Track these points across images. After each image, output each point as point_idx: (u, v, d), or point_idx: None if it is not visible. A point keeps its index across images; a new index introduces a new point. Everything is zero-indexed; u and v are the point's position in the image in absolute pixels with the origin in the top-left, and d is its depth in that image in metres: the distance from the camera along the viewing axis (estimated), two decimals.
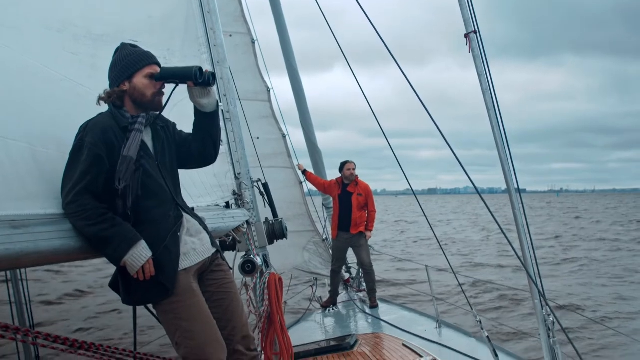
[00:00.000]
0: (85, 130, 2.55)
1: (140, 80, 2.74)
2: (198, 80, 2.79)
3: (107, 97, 2.73)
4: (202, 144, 3.01)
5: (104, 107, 2.78)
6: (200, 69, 2.80)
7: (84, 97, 2.88)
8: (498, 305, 11.04)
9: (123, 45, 2.83)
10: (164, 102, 2.81)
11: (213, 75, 2.88)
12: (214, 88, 2.96)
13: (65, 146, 2.59)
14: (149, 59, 2.79)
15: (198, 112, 2.97)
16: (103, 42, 3.14)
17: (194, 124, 3.02)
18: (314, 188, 8.96)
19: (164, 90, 2.81)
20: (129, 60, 2.75)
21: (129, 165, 2.57)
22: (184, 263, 2.76)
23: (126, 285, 2.68)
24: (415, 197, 5.54)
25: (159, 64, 2.83)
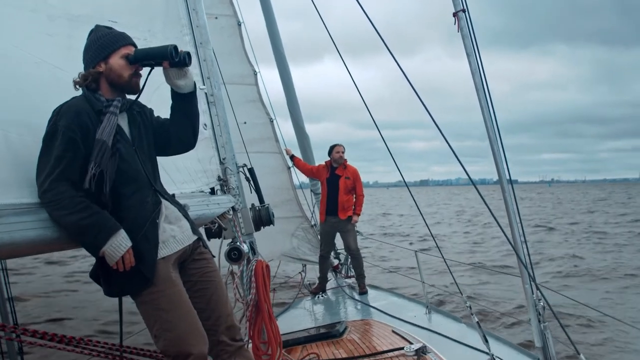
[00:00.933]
0: (59, 114, 2.44)
1: (116, 61, 2.63)
2: (174, 59, 2.69)
3: (82, 80, 2.62)
4: (181, 128, 2.91)
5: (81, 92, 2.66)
6: (175, 47, 2.70)
7: (61, 80, 2.76)
8: (489, 290, 11.08)
9: (97, 26, 2.73)
10: (141, 84, 2.71)
11: (188, 54, 2.78)
12: (190, 68, 2.86)
13: (41, 132, 2.47)
14: (124, 40, 2.69)
15: (175, 94, 2.87)
16: (80, 22, 3.02)
17: (172, 107, 2.92)
18: (303, 179, 8.89)
19: (141, 72, 2.71)
20: (104, 41, 2.65)
21: (103, 149, 2.46)
22: (163, 251, 2.66)
23: (106, 276, 2.59)
24: (408, 189, 5.47)
25: (135, 45, 2.73)
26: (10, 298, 5.57)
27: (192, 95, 2.90)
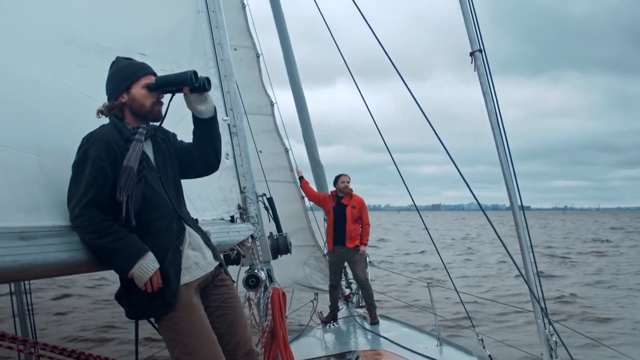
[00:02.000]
0: (89, 142, 2.54)
1: (138, 90, 2.73)
2: (194, 84, 2.78)
3: (106, 111, 2.72)
4: (203, 151, 3.00)
5: (106, 120, 2.77)
6: (195, 73, 2.80)
7: (92, 109, 2.86)
8: (501, 325, 10.98)
9: (117, 58, 2.83)
10: (163, 111, 2.80)
11: (208, 80, 2.87)
12: (215, 100, 2.96)
13: (73, 157, 2.58)
14: (144, 70, 2.79)
15: (196, 120, 2.96)
16: (110, 54, 3.13)
17: (194, 132, 3.01)
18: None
19: (162, 99, 2.80)
20: (125, 72, 2.75)
21: (130, 176, 2.55)
22: (185, 277, 2.73)
23: (128, 298, 2.67)
24: (419, 213, 5.54)
25: (155, 74, 2.82)
26: (31, 313, 5.65)
27: (212, 120, 2.98)
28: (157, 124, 2.84)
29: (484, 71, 3.98)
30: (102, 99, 2.94)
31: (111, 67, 2.81)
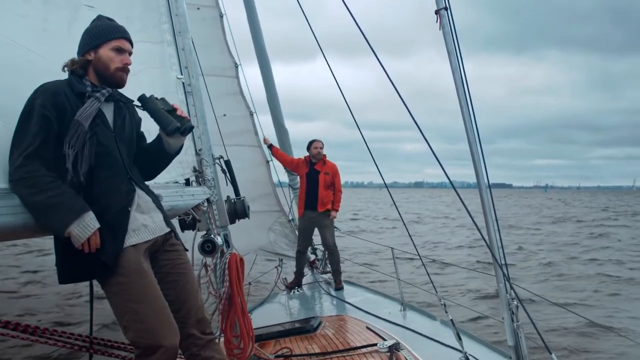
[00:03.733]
0: (37, 93, 2.45)
1: (105, 52, 2.67)
2: (174, 133, 2.83)
3: (70, 64, 2.65)
4: (152, 165, 3.01)
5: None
6: (179, 129, 2.82)
7: (34, 63, 2.72)
8: (464, 289, 11.14)
9: (99, 16, 2.78)
10: (126, 79, 2.74)
11: (191, 127, 2.93)
12: (169, 57, 2.88)
13: (13, 117, 2.42)
14: (119, 33, 2.72)
15: (159, 143, 2.92)
16: (55, 5, 2.96)
17: (152, 146, 2.97)
18: (282, 178, 8.85)
19: (129, 66, 2.74)
20: (98, 31, 2.69)
21: (78, 131, 2.46)
22: (133, 239, 2.63)
23: (62, 262, 2.54)
24: (388, 190, 5.48)
25: (131, 42, 2.78)
26: None
27: (174, 155, 3.01)
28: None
29: (449, 30, 3.86)
30: (46, 52, 2.81)
31: (91, 24, 2.75)
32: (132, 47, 2.79)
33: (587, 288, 11.58)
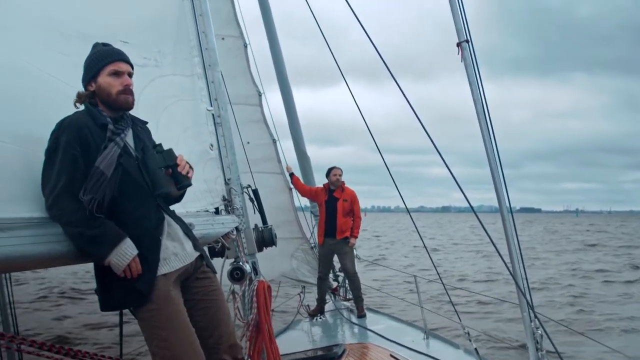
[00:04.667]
0: (60, 128, 2.48)
1: (104, 79, 2.66)
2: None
3: (78, 99, 2.67)
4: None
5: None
6: (180, 186, 2.83)
7: (72, 96, 2.81)
8: (487, 316, 11.04)
9: (94, 44, 2.76)
10: (130, 100, 2.69)
11: (187, 185, 2.88)
12: (199, 90, 2.90)
13: None
14: (113, 56, 2.69)
15: None
16: (92, 42, 3.08)
17: None
18: (304, 202, 8.92)
19: (131, 87, 2.70)
20: (93, 59, 2.69)
21: (100, 180, 2.47)
22: (163, 269, 2.67)
23: (102, 289, 2.62)
24: (409, 213, 5.54)
25: (128, 62, 2.73)
26: (12, 307, 5.56)
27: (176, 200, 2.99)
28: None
29: (471, 62, 3.96)
30: (81, 86, 2.89)
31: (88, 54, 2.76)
32: (133, 67, 2.75)
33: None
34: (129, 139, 2.72)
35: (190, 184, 2.87)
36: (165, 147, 2.85)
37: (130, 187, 2.62)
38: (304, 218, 9.08)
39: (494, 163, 4.07)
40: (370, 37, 4.42)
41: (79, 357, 2.84)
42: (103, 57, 2.68)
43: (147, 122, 2.95)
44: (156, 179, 2.68)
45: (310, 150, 9.18)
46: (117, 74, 2.66)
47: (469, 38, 4.04)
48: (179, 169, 2.77)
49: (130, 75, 2.71)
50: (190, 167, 2.85)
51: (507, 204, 4.14)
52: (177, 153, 2.86)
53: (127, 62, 2.73)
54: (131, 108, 2.72)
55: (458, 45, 4.05)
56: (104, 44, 2.76)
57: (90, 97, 2.68)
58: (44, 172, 2.44)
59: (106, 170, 2.49)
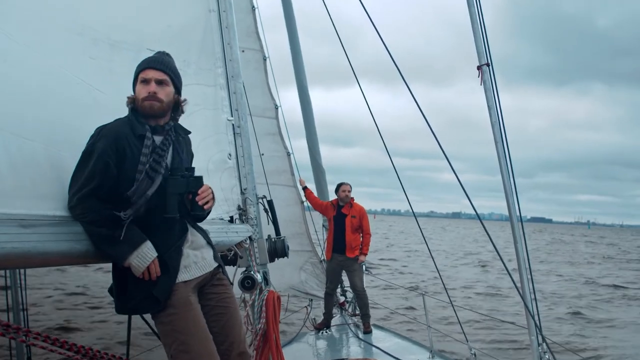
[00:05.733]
0: (99, 134, 2.55)
1: (137, 87, 2.75)
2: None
3: (128, 102, 2.75)
4: None
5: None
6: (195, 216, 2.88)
7: (100, 101, 2.90)
8: (494, 338, 10.97)
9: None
10: (155, 107, 2.71)
11: (201, 218, 2.95)
12: (220, 100, 2.93)
13: (79, 149, 2.58)
14: (143, 65, 2.77)
15: None
16: (121, 48, 3.17)
17: None
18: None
19: (156, 94, 2.72)
20: (136, 69, 2.79)
21: (140, 199, 2.56)
22: (184, 276, 2.74)
23: (120, 293, 2.68)
24: (416, 219, 5.55)
25: (158, 69, 2.76)
26: (24, 302, 5.65)
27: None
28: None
29: (490, 86, 3.99)
30: (110, 91, 2.98)
31: None
32: (166, 72, 2.77)
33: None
34: (169, 156, 2.76)
35: (204, 216, 2.93)
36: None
37: (158, 199, 2.65)
38: (314, 229, 9.10)
39: (507, 175, 4.09)
40: (384, 39, 4.47)
41: (89, 355, 2.88)
42: (139, 66, 2.77)
43: (189, 132, 3.00)
44: (169, 203, 2.67)
45: (322, 151, 9.20)
46: (145, 81, 2.72)
47: (489, 61, 4.08)
48: (197, 199, 2.77)
49: (159, 82, 2.73)
50: (213, 198, 2.87)
51: (519, 220, 4.14)
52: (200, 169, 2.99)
53: (158, 69, 2.76)
54: (157, 114, 2.74)
55: (478, 68, 4.08)
56: (157, 53, 2.86)
57: (132, 103, 2.74)
58: (75, 172, 2.50)
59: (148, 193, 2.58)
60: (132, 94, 2.78)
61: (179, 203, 2.73)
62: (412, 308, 12.96)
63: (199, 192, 2.77)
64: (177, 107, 2.85)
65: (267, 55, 8.74)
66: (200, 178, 2.82)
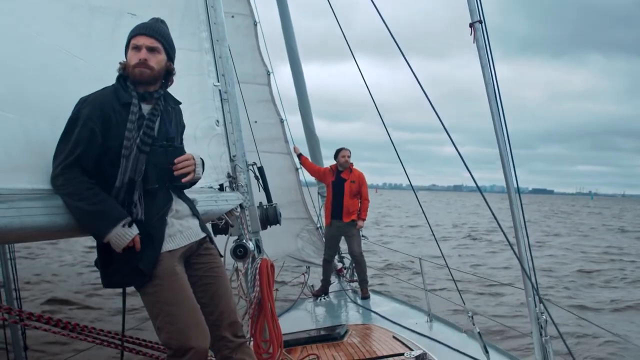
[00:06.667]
0: (85, 102, 2.51)
1: (129, 53, 2.71)
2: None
3: (119, 69, 2.70)
4: None
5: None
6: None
7: (79, 69, 2.82)
8: (491, 301, 11.04)
9: None
10: (145, 74, 2.67)
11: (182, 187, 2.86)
12: (206, 65, 2.86)
13: (58, 119, 2.52)
14: (135, 31, 2.73)
15: None
16: (100, 13, 3.06)
17: None
18: (310, 179, 8.89)
19: (148, 60, 2.67)
20: (128, 36, 2.74)
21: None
22: (169, 245, 2.69)
23: (104, 267, 2.64)
24: (415, 193, 5.49)
25: (150, 35, 2.70)
26: (16, 282, 5.60)
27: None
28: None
29: (483, 44, 3.88)
30: (90, 59, 2.90)
31: None
32: (158, 39, 2.72)
33: None
34: (156, 125, 2.72)
35: (183, 186, 2.85)
36: None
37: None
38: (309, 197, 9.06)
39: (503, 145, 4.01)
40: (381, 12, 4.35)
41: (85, 332, 2.85)
42: (131, 32, 2.74)
43: (180, 103, 2.96)
44: (148, 174, 2.63)
45: (321, 126, 9.15)
46: (136, 48, 2.68)
47: (482, 18, 3.96)
48: (174, 170, 2.69)
49: (151, 49, 2.69)
50: (195, 169, 2.77)
51: (515, 186, 4.08)
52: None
53: (149, 35, 2.71)
54: (147, 82, 2.69)
55: (471, 25, 3.97)
56: (152, 19, 2.81)
57: (123, 70, 2.69)
58: (60, 142, 2.46)
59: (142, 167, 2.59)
60: (124, 60, 2.72)
61: (161, 173, 2.67)
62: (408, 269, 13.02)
63: (175, 161, 2.68)
64: (168, 75, 2.81)
65: (257, 20, 8.56)
66: (180, 148, 2.76)
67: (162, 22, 2.84)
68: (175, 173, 2.68)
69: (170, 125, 2.79)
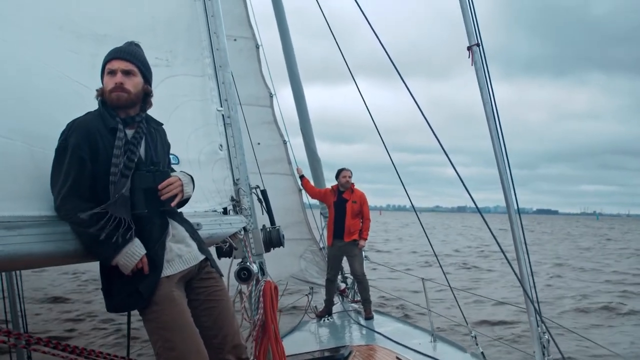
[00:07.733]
0: (70, 129, 2.50)
1: (104, 79, 2.68)
2: None
3: (97, 95, 2.68)
4: None
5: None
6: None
7: (84, 96, 2.84)
8: (494, 320, 11.00)
9: None
10: (122, 98, 2.64)
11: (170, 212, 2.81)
12: (206, 83, 2.87)
13: None
14: (109, 56, 2.70)
15: None
16: (105, 41, 3.10)
17: None
18: (313, 200, 8.93)
19: (124, 84, 2.64)
20: (103, 62, 2.72)
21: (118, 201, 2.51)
22: (167, 271, 2.69)
23: (108, 291, 2.65)
24: (417, 214, 5.53)
25: (124, 59, 2.69)
26: (22, 305, 5.61)
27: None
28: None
29: (481, 66, 3.96)
30: (94, 86, 2.91)
31: None
32: (133, 62, 2.70)
33: None
34: (141, 149, 2.71)
35: (171, 210, 2.79)
36: (176, 146, 2.82)
37: None
38: (313, 218, 9.08)
39: (502, 165, 4.07)
40: (379, 35, 4.43)
41: (92, 356, 2.87)
42: (105, 57, 2.71)
43: (162, 124, 2.93)
44: (135, 199, 2.59)
45: (323, 148, 9.23)
46: (111, 72, 2.66)
47: (479, 42, 4.04)
48: (160, 194, 2.65)
49: (126, 72, 2.66)
50: (183, 190, 2.74)
51: (515, 207, 4.13)
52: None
53: (124, 59, 2.68)
54: (125, 106, 2.66)
55: (469, 48, 4.05)
56: (127, 44, 2.78)
57: (102, 95, 2.68)
58: (53, 172, 2.47)
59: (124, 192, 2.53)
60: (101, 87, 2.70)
61: (150, 198, 2.65)
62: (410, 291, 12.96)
63: (159, 187, 2.64)
64: (146, 97, 2.78)
65: (259, 44, 8.66)
66: (166, 172, 2.72)
67: (137, 45, 2.81)
68: (162, 198, 2.66)
69: (155, 147, 2.78)
